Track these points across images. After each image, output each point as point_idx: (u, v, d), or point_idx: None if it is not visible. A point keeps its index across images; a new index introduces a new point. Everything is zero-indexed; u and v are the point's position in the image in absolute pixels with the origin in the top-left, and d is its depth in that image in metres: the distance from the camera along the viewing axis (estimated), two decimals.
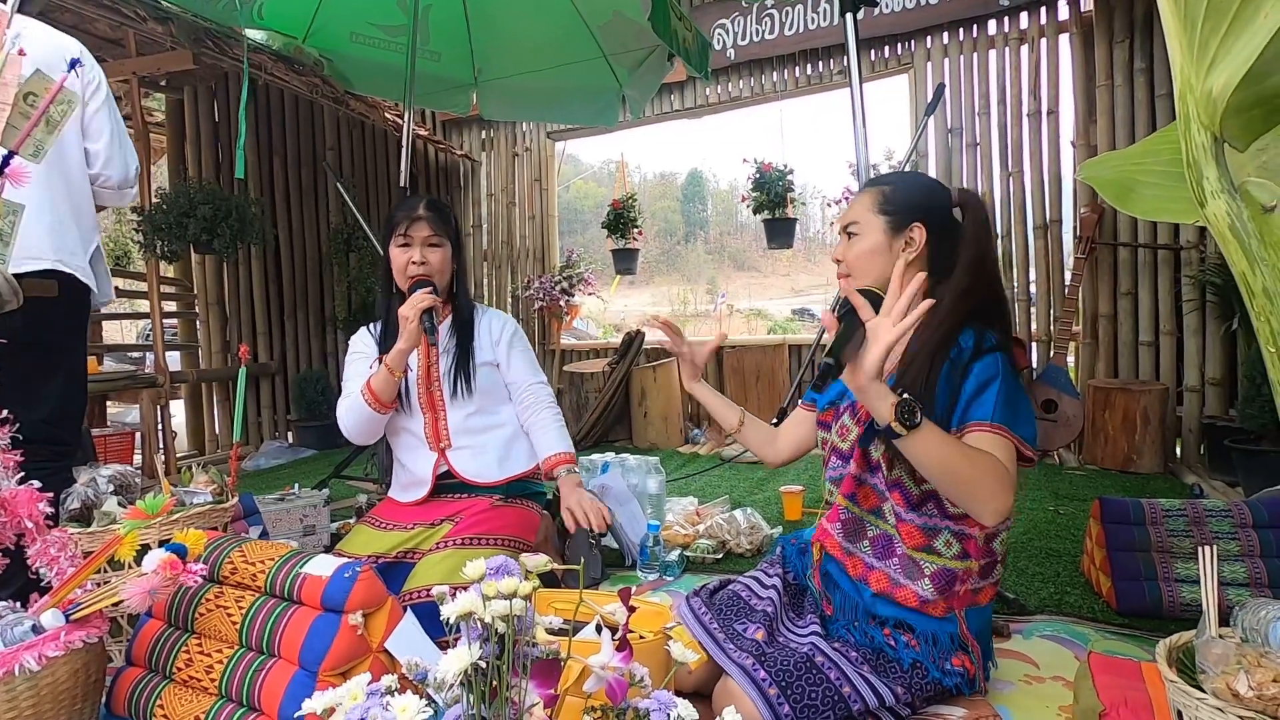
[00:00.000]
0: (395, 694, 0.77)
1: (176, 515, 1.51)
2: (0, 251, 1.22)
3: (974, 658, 1.23)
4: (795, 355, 4.44)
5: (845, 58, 1.99)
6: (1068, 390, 3.34)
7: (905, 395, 1.05)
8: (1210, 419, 3.26)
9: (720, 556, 2.20)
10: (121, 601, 1.10)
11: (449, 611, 0.75)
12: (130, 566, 1.24)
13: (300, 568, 1.22)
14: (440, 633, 0.94)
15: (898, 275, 1.10)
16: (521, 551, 1.47)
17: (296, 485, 2.42)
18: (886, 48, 4.10)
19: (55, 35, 1.66)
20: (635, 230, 5.14)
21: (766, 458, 1.54)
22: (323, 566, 1.21)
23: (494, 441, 1.83)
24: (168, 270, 4.65)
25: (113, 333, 9.24)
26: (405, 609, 1.27)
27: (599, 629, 0.88)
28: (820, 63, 4.30)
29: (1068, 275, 3.65)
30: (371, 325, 1.94)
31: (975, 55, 3.92)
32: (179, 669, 1.25)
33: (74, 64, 1.26)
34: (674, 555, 2.11)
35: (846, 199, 4.33)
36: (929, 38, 4.01)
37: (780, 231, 4.60)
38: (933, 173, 3.95)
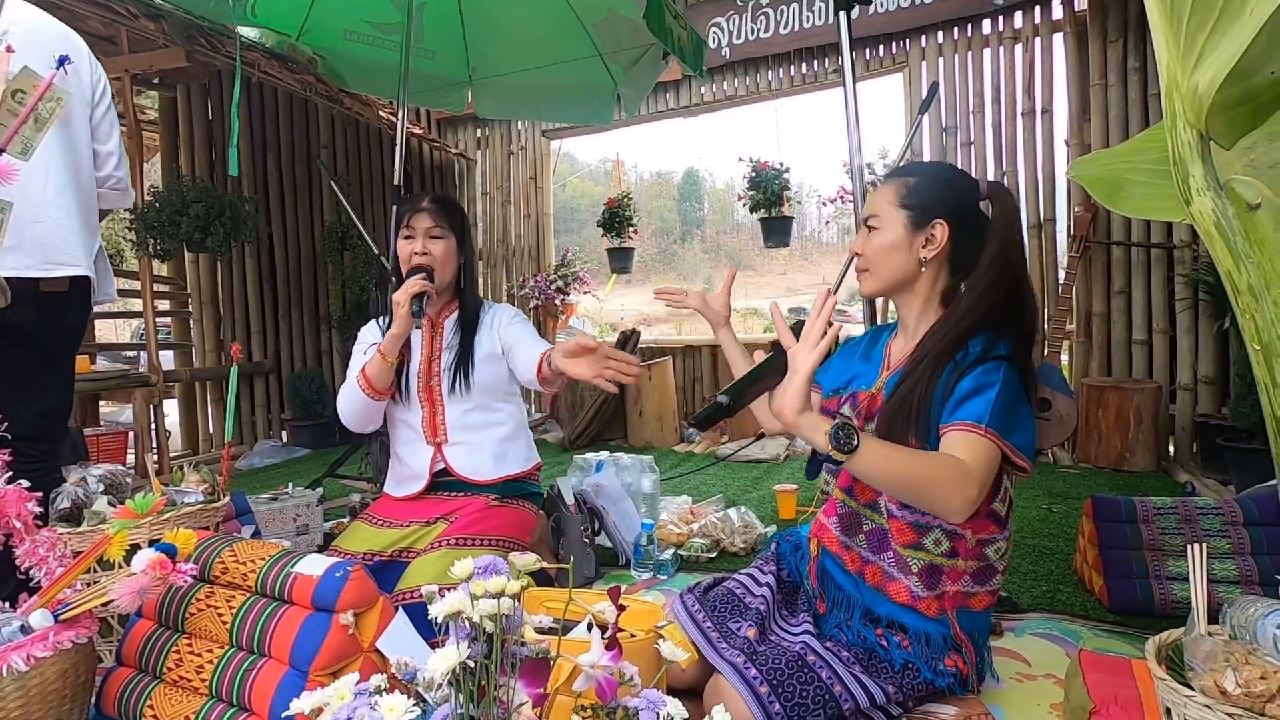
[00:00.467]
0: (384, 693, 0.77)
1: (166, 515, 1.51)
2: None
3: (967, 658, 1.23)
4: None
5: (840, 56, 1.98)
6: (1061, 389, 3.35)
7: (838, 420, 1.02)
8: (1203, 417, 3.28)
9: (714, 555, 2.20)
10: (111, 601, 1.09)
11: (437, 610, 0.75)
12: (120, 566, 1.23)
13: (291, 567, 1.22)
14: (433, 633, 0.94)
15: (820, 300, 1.05)
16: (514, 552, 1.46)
17: (290, 485, 2.41)
18: (881, 47, 4.11)
19: (60, 26, 1.65)
20: (630, 229, 5.14)
21: (768, 426, 1.52)
22: (313, 566, 1.21)
23: (490, 439, 1.83)
24: (161, 269, 4.64)
25: (106, 332, 9.20)
26: (397, 608, 1.26)
27: (590, 628, 0.88)
28: (815, 61, 4.30)
29: (1062, 274, 3.66)
30: (381, 318, 1.96)
31: (970, 54, 3.92)
32: (169, 669, 1.24)
33: (63, 61, 1.25)
34: (668, 554, 2.11)
35: (842, 198, 4.33)
36: (924, 37, 4.02)
37: (777, 230, 4.61)
38: None
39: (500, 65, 3.37)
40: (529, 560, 0.85)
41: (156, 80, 4.27)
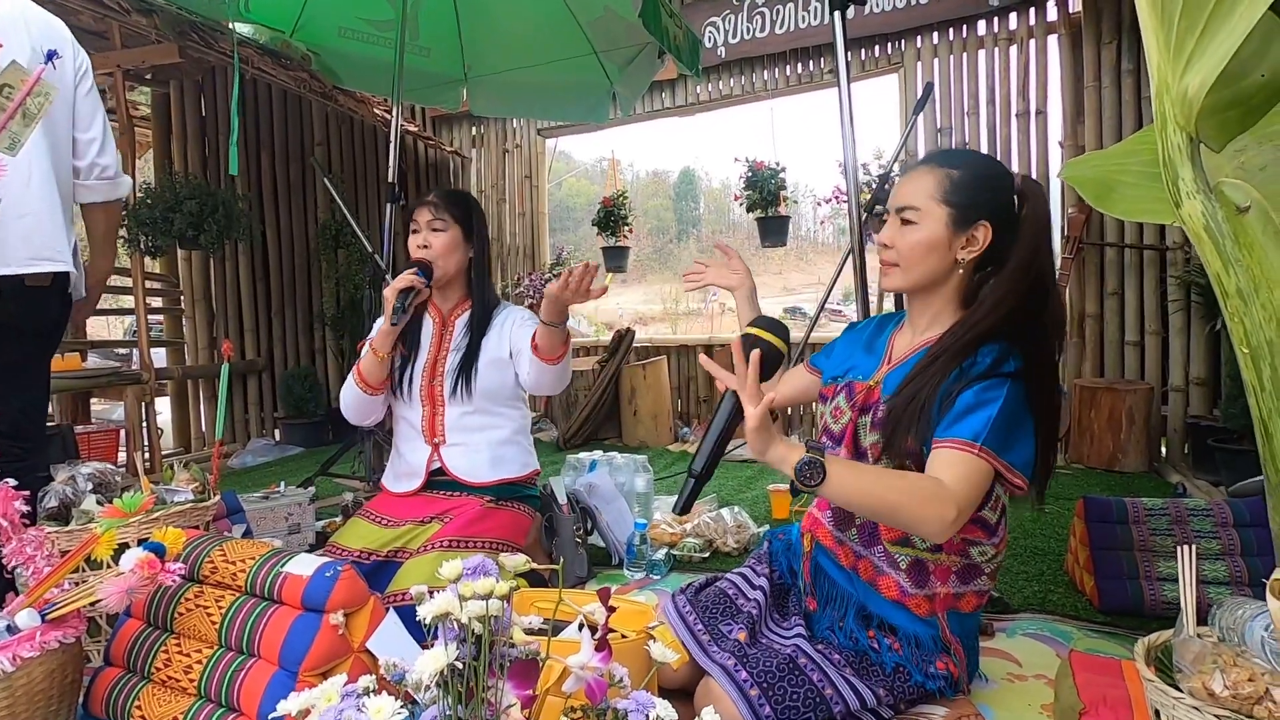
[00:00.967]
0: (372, 695, 0.77)
1: (155, 514, 1.49)
2: None
3: (957, 660, 1.22)
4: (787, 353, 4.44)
5: (835, 56, 1.98)
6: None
7: (807, 452, 1.03)
8: (1194, 418, 3.29)
9: (707, 555, 2.20)
10: (98, 601, 1.09)
11: (425, 612, 0.75)
12: (108, 565, 1.22)
13: (281, 567, 1.21)
14: (424, 634, 0.94)
15: (752, 365, 1.06)
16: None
17: (282, 483, 2.40)
18: (876, 47, 4.11)
19: (42, 13, 1.63)
20: (626, 228, 5.13)
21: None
22: (303, 566, 1.20)
23: (487, 441, 1.83)
24: (153, 266, 4.61)
25: (98, 328, 9.14)
26: (388, 610, 1.26)
27: (581, 628, 0.88)
28: (811, 61, 4.30)
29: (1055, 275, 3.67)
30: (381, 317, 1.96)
31: (965, 55, 3.93)
32: (158, 669, 1.23)
33: (50, 56, 1.24)
34: (661, 554, 2.10)
35: (837, 198, 4.33)
36: (919, 37, 4.02)
37: (773, 230, 4.61)
38: None
39: (495, 63, 3.37)
40: (518, 561, 0.84)
41: (149, 76, 4.24)
